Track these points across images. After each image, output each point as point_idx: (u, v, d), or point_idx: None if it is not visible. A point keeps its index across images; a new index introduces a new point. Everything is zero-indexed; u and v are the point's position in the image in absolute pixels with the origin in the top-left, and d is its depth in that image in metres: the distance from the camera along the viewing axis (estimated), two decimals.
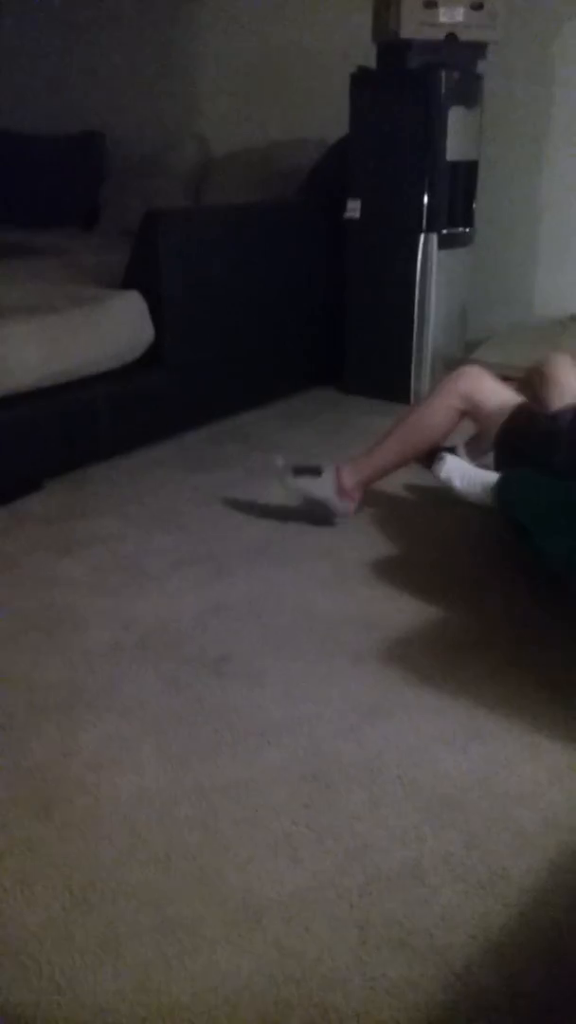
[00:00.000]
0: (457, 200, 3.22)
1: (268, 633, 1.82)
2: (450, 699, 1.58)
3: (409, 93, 3.10)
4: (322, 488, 2.27)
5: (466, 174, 3.24)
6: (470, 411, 2.25)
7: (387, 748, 1.46)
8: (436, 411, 2.27)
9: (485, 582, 2.02)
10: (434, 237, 3.17)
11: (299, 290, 3.38)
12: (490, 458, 2.25)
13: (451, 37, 3.04)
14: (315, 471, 2.29)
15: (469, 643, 1.77)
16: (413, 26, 3.01)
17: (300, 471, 2.29)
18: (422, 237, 3.16)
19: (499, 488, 2.03)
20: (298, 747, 1.47)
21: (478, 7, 3.03)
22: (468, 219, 3.29)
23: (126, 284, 2.85)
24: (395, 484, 2.49)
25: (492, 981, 1.05)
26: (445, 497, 2.19)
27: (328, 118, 3.37)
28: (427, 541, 2.25)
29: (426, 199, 3.13)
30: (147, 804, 1.35)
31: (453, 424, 2.28)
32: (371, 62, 3.17)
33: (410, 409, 2.42)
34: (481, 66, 3.16)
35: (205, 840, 1.28)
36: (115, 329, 2.73)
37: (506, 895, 1.17)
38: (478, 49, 3.13)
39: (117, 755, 1.45)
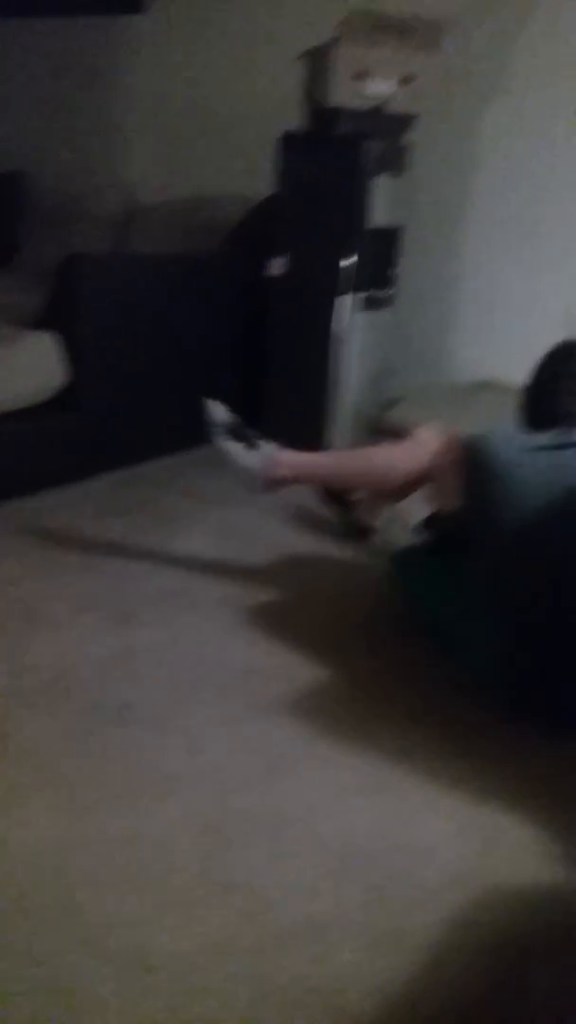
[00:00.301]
0: (379, 264, 3.30)
1: (173, 681, 1.77)
2: (356, 752, 1.57)
3: (336, 159, 3.19)
4: (249, 459, 2.21)
5: (389, 239, 3.33)
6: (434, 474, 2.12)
7: (290, 801, 1.43)
8: (402, 455, 2.16)
9: (393, 635, 2.02)
10: (355, 299, 3.24)
11: (218, 342, 3.41)
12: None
13: (379, 108, 3.15)
14: (252, 443, 2.23)
15: (375, 696, 1.76)
16: (342, 95, 3.11)
17: (238, 436, 2.24)
18: (343, 299, 3.23)
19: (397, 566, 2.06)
20: (200, 799, 1.43)
21: (407, 82, 3.14)
22: (389, 283, 3.38)
23: (40, 325, 2.82)
24: (309, 539, 2.49)
25: None
26: (360, 549, 2.20)
27: (255, 174, 3.44)
28: (339, 593, 2.25)
29: (348, 262, 3.21)
30: (38, 857, 1.28)
31: (408, 477, 2.14)
32: (298, 121, 3.26)
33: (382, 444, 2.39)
34: (408, 136, 3.27)
35: (96, 895, 1.22)
36: (24, 369, 2.70)
37: (405, 952, 1.15)
38: (405, 120, 3.25)
39: (7, 805, 1.39)
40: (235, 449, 2.22)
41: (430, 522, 2.14)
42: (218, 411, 2.26)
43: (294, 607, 2.14)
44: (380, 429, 3.30)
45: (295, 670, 1.84)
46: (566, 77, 3.28)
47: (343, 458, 2.30)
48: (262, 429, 3.38)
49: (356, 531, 2.50)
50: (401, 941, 1.16)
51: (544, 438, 1.86)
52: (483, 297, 3.65)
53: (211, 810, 1.40)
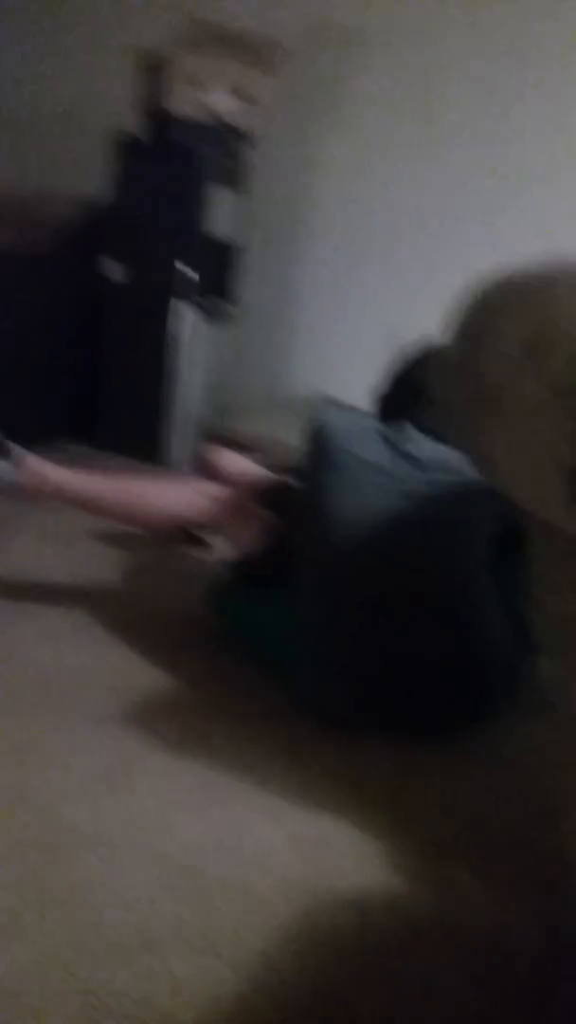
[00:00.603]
0: (218, 276, 3.34)
1: (1, 693, 1.74)
2: (190, 763, 1.59)
3: (173, 167, 3.21)
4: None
5: (228, 254, 3.38)
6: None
7: (122, 815, 1.44)
8: (177, 499, 2.14)
9: (229, 645, 2.06)
10: (194, 307, 3.26)
11: (51, 343, 3.34)
12: None
13: (217, 119, 3.18)
14: (4, 452, 2.10)
15: (211, 707, 1.79)
16: (179, 102, 3.13)
17: None
18: (181, 305, 3.24)
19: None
20: (28, 812, 1.41)
21: (244, 98, 3.20)
22: (229, 294, 3.42)
23: None
24: (141, 545, 2.49)
25: None
26: (194, 559, 2.22)
27: (89, 174, 3.40)
28: (175, 602, 2.26)
29: (186, 270, 3.23)
30: None
31: (175, 522, 2.19)
32: (135, 125, 3.25)
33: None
34: (246, 152, 3.32)
35: None
36: None
37: (239, 961, 1.18)
38: (243, 135, 3.30)
39: None
40: None
41: (240, 567, 2.12)
42: None
43: (127, 616, 2.14)
44: (219, 439, 3.32)
45: (129, 680, 1.84)
46: (407, 113, 3.42)
47: (110, 486, 2.14)
48: (97, 436, 3.37)
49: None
50: (235, 951, 1.19)
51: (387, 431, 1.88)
52: (319, 316, 3.76)
53: (41, 827, 1.38)
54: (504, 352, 0.49)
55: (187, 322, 3.27)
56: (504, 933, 1.27)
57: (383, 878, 1.36)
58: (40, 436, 3.32)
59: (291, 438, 2.98)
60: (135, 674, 1.86)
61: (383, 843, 1.43)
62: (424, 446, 1.85)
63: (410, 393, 1.88)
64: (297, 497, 1.98)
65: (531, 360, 0.45)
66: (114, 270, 3.29)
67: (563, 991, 1.15)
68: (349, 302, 3.66)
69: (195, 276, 3.25)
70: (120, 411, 3.40)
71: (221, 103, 3.18)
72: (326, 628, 1.77)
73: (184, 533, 2.48)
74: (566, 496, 0.42)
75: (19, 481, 2.09)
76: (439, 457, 1.82)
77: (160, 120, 3.16)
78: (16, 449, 2.11)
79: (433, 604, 1.73)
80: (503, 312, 0.52)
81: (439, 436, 1.82)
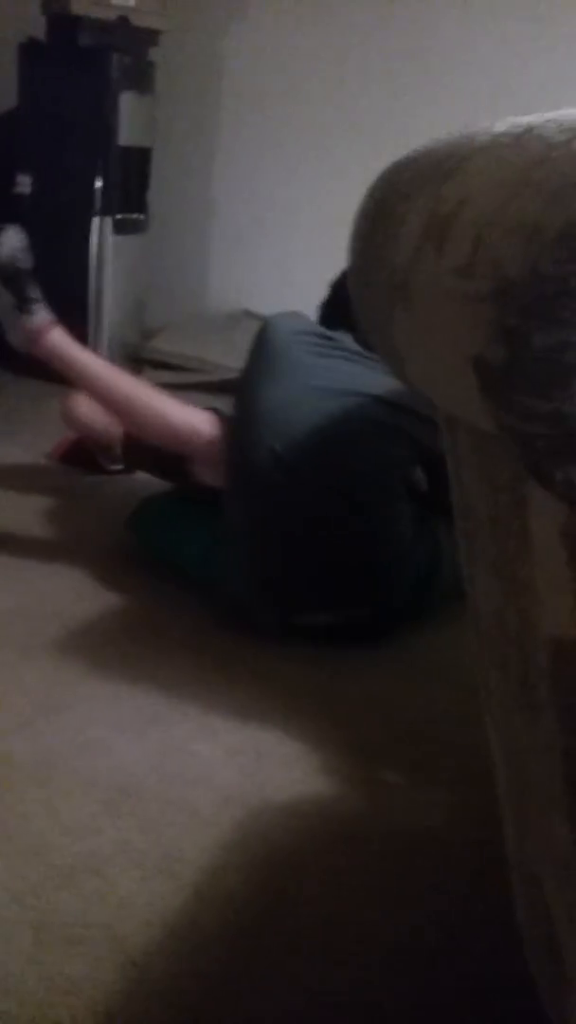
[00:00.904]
0: (131, 186, 3.22)
1: None
2: (126, 687, 1.58)
3: (80, 72, 3.05)
4: (11, 319, 2.08)
5: (139, 160, 3.24)
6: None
7: (62, 742, 1.43)
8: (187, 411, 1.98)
9: (155, 571, 2.03)
10: (108, 221, 3.14)
11: None
12: None
13: (123, 20, 3.02)
14: (27, 303, 2.07)
15: (145, 630, 1.78)
16: (84, 3, 2.95)
17: (15, 287, 2.08)
18: (96, 220, 3.12)
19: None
20: None
21: None
22: (142, 206, 3.30)
23: None
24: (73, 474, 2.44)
25: (170, 964, 1.06)
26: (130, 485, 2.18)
27: None
28: (107, 525, 2.22)
29: (99, 182, 3.09)
30: None
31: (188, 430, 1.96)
32: (39, 31, 3.06)
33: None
34: (154, 54, 3.17)
35: None
36: None
37: (182, 877, 1.19)
38: (150, 35, 3.14)
39: None
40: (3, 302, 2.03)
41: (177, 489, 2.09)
42: (12, 241, 2.06)
43: (67, 542, 2.10)
44: (141, 360, 3.25)
45: (65, 609, 1.81)
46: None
47: (125, 378, 2.05)
48: (12, 365, 3.25)
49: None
50: (178, 867, 1.20)
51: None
52: (238, 223, 3.65)
53: None
54: (407, 236, 0.46)
55: (104, 238, 3.15)
56: (427, 824, 1.31)
57: (317, 784, 1.38)
58: None
59: (215, 355, 2.94)
60: (65, 604, 1.84)
61: (316, 751, 1.45)
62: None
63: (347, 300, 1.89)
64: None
65: (432, 242, 0.43)
66: (23, 184, 3.14)
67: (487, 880, 1.19)
68: (275, 208, 3.56)
69: (110, 190, 3.12)
70: None
71: (127, 1, 3.02)
72: (250, 534, 1.76)
73: (90, 456, 2.41)
74: (474, 387, 0.40)
75: (31, 340, 2.03)
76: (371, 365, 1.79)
77: (65, 23, 2.99)
78: (39, 306, 2.06)
79: (357, 508, 1.72)
80: (406, 194, 0.49)
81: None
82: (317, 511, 1.71)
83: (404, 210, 0.48)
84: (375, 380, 1.74)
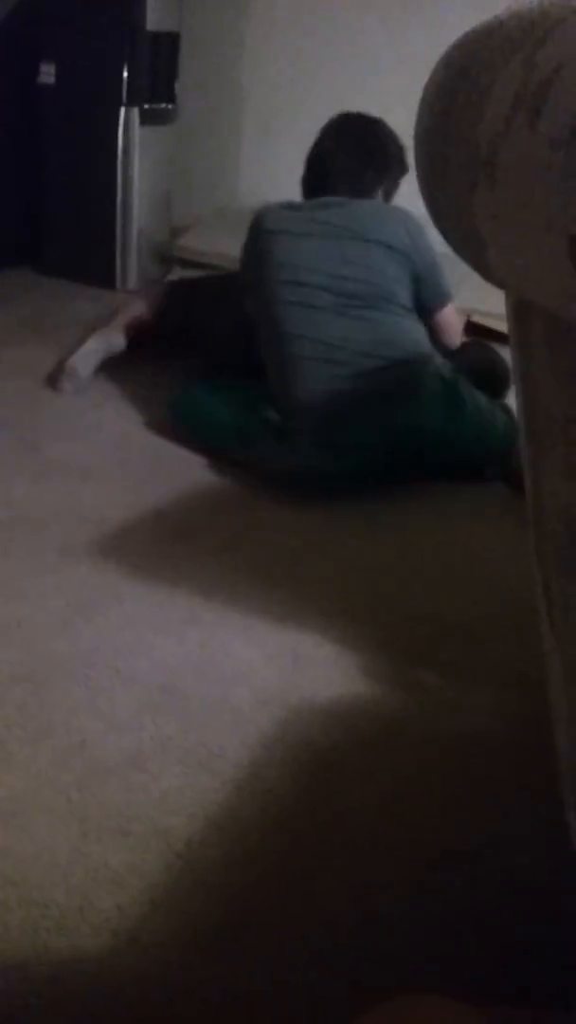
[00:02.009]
0: (159, 74, 3.08)
1: None
2: (165, 589, 1.58)
3: None
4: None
5: (168, 47, 3.10)
6: None
7: (102, 642, 1.44)
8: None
9: (198, 472, 2.03)
10: (135, 112, 3.02)
11: None
12: None
13: None
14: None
15: (183, 533, 1.78)
16: None
17: None
18: (123, 111, 3.00)
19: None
20: (9, 647, 1.41)
21: None
22: (170, 95, 3.17)
23: None
24: (117, 372, 2.41)
25: (212, 855, 1.09)
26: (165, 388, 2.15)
27: None
28: (140, 431, 2.21)
29: (125, 70, 2.97)
30: None
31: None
32: None
33: None
34: None
35: None
36: None
37: (223, 772, 1.21)
38: None
39: None
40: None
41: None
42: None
43: (99, 449, 2.09)
44: (171, 258, 3.17)
45: (102, 512, 1.81)
46: None
47: None
48: (43, 260, 3.17)
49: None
50: (219, 763, 1.22)
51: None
52: (269, 113, 3.50)
53: (22, 658, 1.39)
54: (493, 108, 0.42)
55: (131, 129, 3.04)
56: (472, 727, 1.32)
57: (356, 686, 1.39)
58: None
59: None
60: (108, 507, 1.84)
61: (355, 654, 1.45)
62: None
63: (318, 171, 2.16)
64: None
65: (525, 112, 0.39)
66: (47, 73, 3.02)
67: (531, 781, 1.20)
68: (308, 97, 3.41)
69: (137, 78, 2.99)
70: (66, 231, 3.21)
71: None
72: (284, 389, 2.01)
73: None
74: (569, 270, 0.37)
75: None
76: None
77: None
78: None
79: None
80: (490, 63, 0.45)
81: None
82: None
83: (489, 80, 0.44)
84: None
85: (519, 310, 0.56)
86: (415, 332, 2.05)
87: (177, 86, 3.17)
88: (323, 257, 2.00)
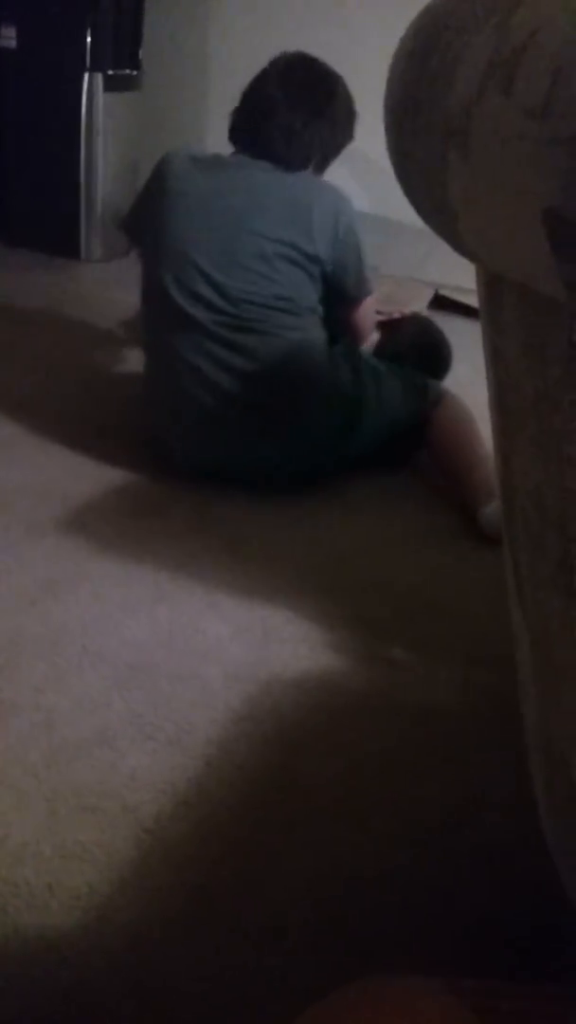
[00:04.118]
0: (123, 40, 3.02)
1: None
2: (133, 566, 1.57)
3: None
4: None
5: (132, 11, 3.04)
6: None
7: (70, 620, 1.43)
8: None
9: (166, 447, 2.00)
10: (99, 78, 2.96)
11: None
12: None
13: None
14: None
15: (150, 509, 1.76)
16: None
17: None
18: (86, 76, 2.94)
19: None
20: None
21: None
22: (135, 62, 3.11)
23: None
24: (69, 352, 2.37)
25: (182, 831, 1.09)
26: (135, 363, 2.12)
27: None
28: (109, 404, 2.18)
29: (89, 35, 2.90)
30: None
31: None
32: None
33: None
34: None
35: None
36: None
37: (192, 748, 1.21)
38: None
39: None
40: None
41: None
42: None
43: (66, 423, 2.06)
44: None
45: (68, 488, 1.79)
46: None
47: None
48: (7, 231, 3.11)
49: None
50: (188, 739, 1.22)
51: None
52: (236, 80, 3.44)
53: None
54: (465, 75, 0.41)
55: (95, 96, 2.98)
56: (435, 700, 1.32)
57: (325, 661, 1.39)
58: None
59: None
60: (70, 483, 1.82)
61: (324, 629, 1.45)
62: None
63: (250, 118, 1.85)
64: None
65: (498, 80, 0.38)
66: (8, 36, 2.95)
67: (497, 754, 1.21)
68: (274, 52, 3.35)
69: (101, 43, 2.93)
70: (28, 200, 3.15)
71: None
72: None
73: None
74: (543, 243, 0.36)
75: None
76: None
77: None
78: None
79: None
80: (462, 27, 0.43)
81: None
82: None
83: (461, 45, 0.43)
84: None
85: (491, 284, 0.55)
86: (311, 351, 1.80)
87: (142, 53, 3.11)
88: (215, 250, 1.75)
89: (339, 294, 1.88)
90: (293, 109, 1.80)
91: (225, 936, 0.96)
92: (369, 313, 2.01)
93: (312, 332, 1.83)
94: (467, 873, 1.06)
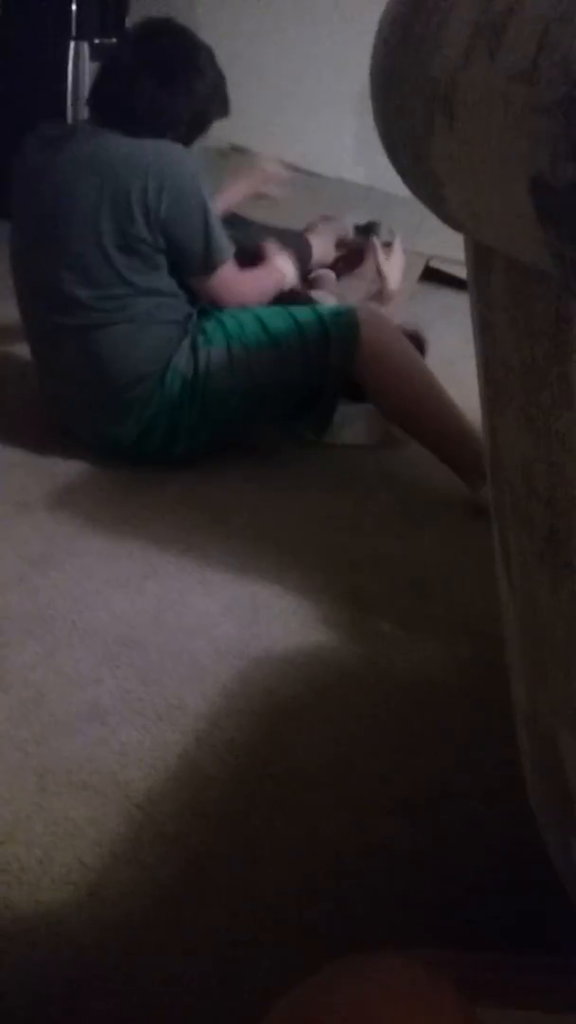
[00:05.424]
0: (109, 7, 2.97)
1: None
2: (122, 542, 1.56)
3: None
4: None
5: None
6: None
7: (59, 596, 1.42)
8: None
9: None
10: (85, 46, 2.92)
11: None
12: None
13: None
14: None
15: (139, 485, 1.75)
16: None
17: None
18: (72, 44, 2.89)
19: None
20: None
21: None
22: (121, 29, 3.06)
23: None
24: None
25: (172, 807, 1.09)
26: None
27: None
28: None
29: (74, 2, 2.85)
30: None
31: None
32: None
33: None
34: None
35: None
36: None
37: (183, 724, 1.21)
38: None
39: None
40: None
41: None
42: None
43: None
44: None
45: (57, 464, 1.78)
46: None
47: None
48: None
49: None
50: (179, 715, 1.22)
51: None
52: (224, 50, 3.38)
53: None
54: (451, 38, 0.40)
55: (80, 64, 2.93)
56: (425, 674, 1.33)
57: (315, 636, 1.39)
58: None
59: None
60: (58, 459, 1.81)
61: (313, 604, 1.45)
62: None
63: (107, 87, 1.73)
64: None
65: (485, 43, 0.37)
66: None
67: (486, 728, 1.21)
68: (264, 35, 3.31)
69: (85, 8, 2.88)
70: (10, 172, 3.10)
71: None
72: None
73: None
74: (529, 212, 0.35)
75: None
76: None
77: None
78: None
79: None
80: None
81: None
82: None
83: (446, 8, 0.42)
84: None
85: (479, 256, 0.54)
86: (146, 342, 1.71)
87: (129, 21, 3.06)
88: (45, 238, 1.69)
89: (190, 264, 1.73)
90: (143, 77, 1.68)
91: (216, 911, 0.97)
92: (232, 277, 1.79)
93: (141, 320, 1.70)
94: (456, 847, 1.07)
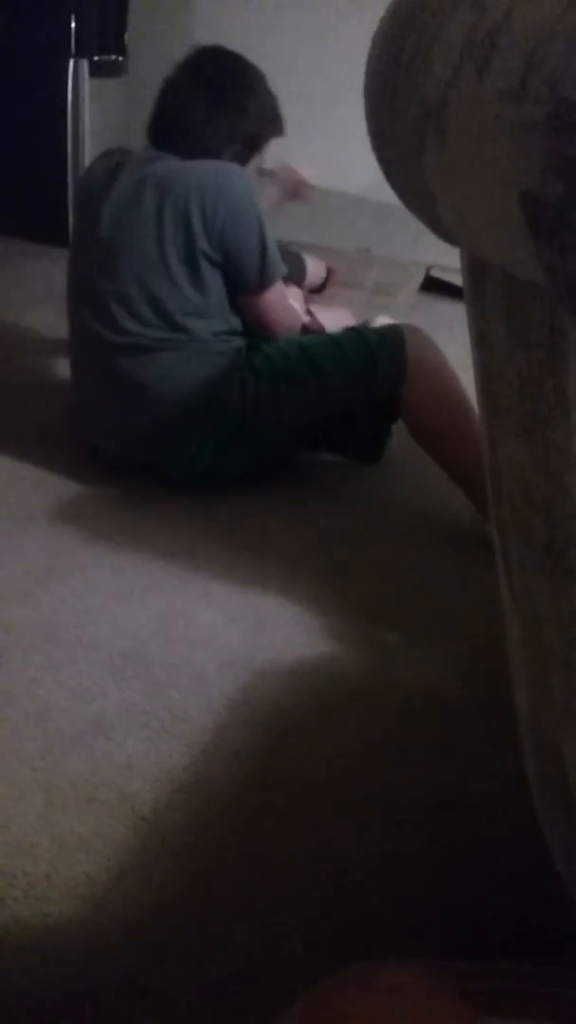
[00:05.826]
0: (108, 25, 3.00)
1: None
2: (127, 555, 1.57)
3: None
4: None
5: None
6: None
7: (63, 610, 1.43)
8: None
9: None
10: (84, 64, 2.94)
11: None
12: None
13: None
14: None
15: (142, 498, 1.76)
16: None
17: None
18: (71, 62, 2.92)
19: None
20: None
21: None
22: (121, 47, 3.08)
23: None
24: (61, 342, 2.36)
25: (178, 820, 1.09)
26: None
27: None
28: None
29: (74, 20, 2.87)
30: None
31: None
32: None
33: None
34: None
35: None
36: None
37: (188, 736, 1.21)
38: None
39: None
40: None
41: None
42: None
43: (60, 415, 2.06)
44: None
45: (61, 478, 1.79)
46: None
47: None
48: None
49: None
50: (184, 727, 1.22)
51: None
52: None
53: None
54: (442, 56, 0.40)
55: (79, 80, 2.95)
56: (430, 685, 1.33)
57: (319, 647, 1.39)
58: None
59: None
60: (67, 473, 1.81)
61: (317, 615, 1.46)
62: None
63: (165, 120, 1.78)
64: None
65: (474, 61, 0.37)
66: None
67: (489, 738, 1.21)
68: (262, 49, 3.32)
69: (85, 28, 2.90)
70: (14, 187, 3.12)
71: None
72: None
73: None
74: (520, 227, 0.36)
75: None
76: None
77: None
78: None
79: None
80: (438, 10, 0.43)
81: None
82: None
83: (437, 26, 0.42)
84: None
85: (474, 269, 0.54)
86: (194, 371, 1.71)
87: (127, 38, 3.08)
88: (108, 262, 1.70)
89: (241, 282, 1.74)
90: (197, 100, 1.74)
91: (223, 923, 0.97)
92: (278, 301, 1.81)
93: (190, 345, 1.71)
94: (461, 857, 1.06)
